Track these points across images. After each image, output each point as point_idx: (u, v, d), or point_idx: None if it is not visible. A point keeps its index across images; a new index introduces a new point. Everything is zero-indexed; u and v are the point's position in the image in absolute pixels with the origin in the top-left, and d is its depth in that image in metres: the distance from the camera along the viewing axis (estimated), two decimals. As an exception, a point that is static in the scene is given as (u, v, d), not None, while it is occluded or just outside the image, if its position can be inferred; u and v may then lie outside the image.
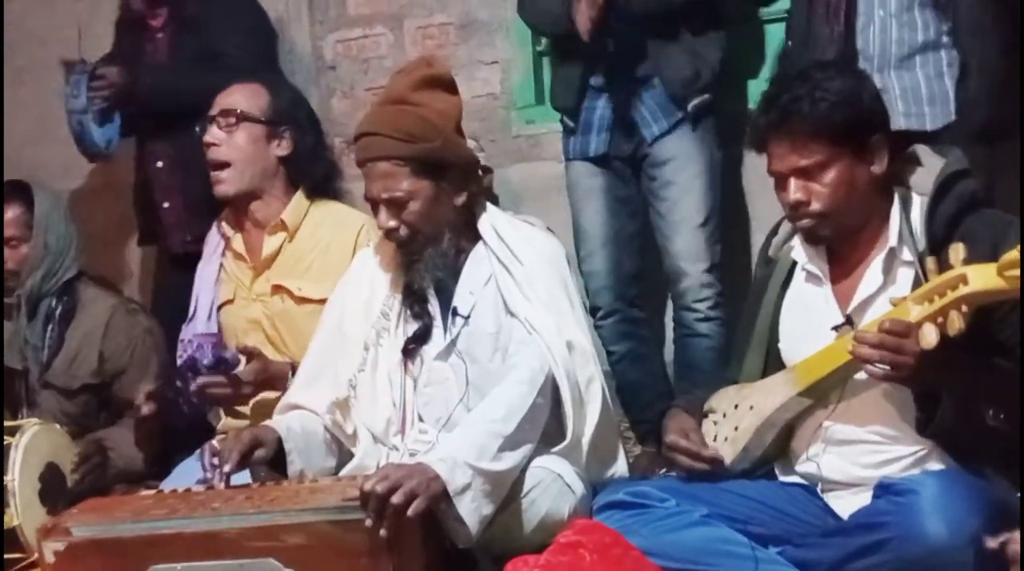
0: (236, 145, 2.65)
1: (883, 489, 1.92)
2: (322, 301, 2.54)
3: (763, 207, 3.04)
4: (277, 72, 3.29)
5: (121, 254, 3.87)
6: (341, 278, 2.47)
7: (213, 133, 2.66)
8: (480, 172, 3.00)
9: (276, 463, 2.23)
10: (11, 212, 2.83)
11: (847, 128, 2.00)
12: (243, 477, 2.20)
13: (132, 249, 3.78)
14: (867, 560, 1.88)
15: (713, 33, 2.94)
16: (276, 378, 2.51)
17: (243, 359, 2.50)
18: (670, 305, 3.15)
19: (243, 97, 2.69)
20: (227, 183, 2.66)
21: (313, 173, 2.72)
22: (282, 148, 2.69)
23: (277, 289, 2.67)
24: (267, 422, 2.31)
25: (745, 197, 3.18)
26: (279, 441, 2.23)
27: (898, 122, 2.60)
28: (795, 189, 2.03)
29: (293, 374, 2.49)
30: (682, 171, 2.92)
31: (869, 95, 2.08)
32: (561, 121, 3.08)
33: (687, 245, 2.91)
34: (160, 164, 3.33)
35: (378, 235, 2.57)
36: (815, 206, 2.03)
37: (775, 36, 3.13)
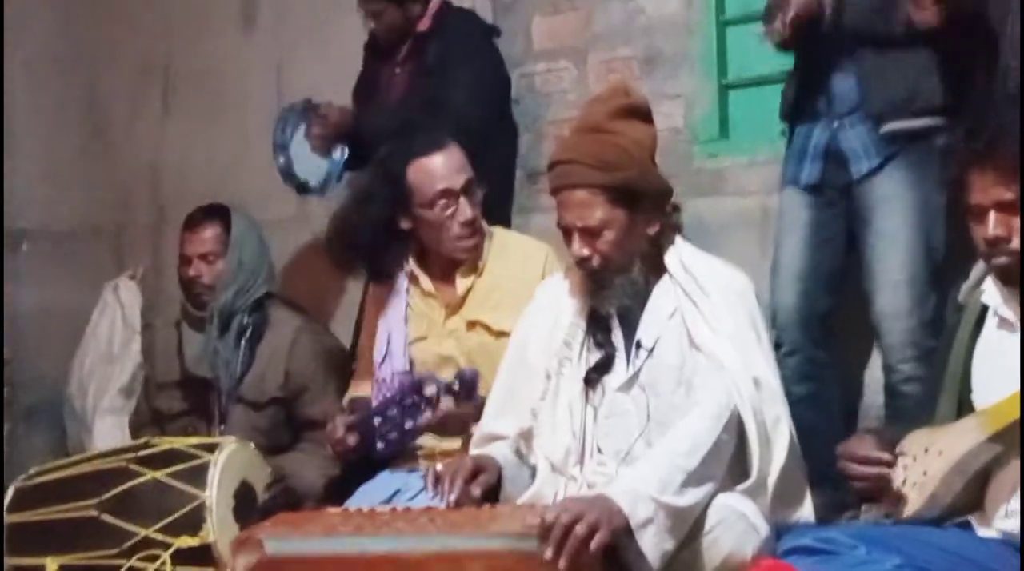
0: (477, 212, 2.72)
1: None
2: None
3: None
4: (486, 124, 3.31)
5: (316, 281, 3.99)
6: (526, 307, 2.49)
7: (471, 208, 2.70)
8: (669, 208, 3.02)
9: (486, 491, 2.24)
10: (210, 231, 3.05)
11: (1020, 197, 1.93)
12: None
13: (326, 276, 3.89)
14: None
15: (943, 60, 2.70)
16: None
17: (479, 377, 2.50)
18: (860, 346, 3.03)
19: (462, 163, 2.73)
20: (476, 241, 2.72)
21: (492, 208, 2.79)
22: (478, 196, 2.75)
23: (472, 325, 2.70)
24: (483, 450, 2.33)
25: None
26: (499, 469, 2.25)
27: None
28: (995, 223, 1.95)
29: None
30: (888, 219, 2.76)
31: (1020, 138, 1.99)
32: (783, 133, 2.99)
33: (889, 302, 2.74)
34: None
35: (562, 263, 2.60)
36: (1015, 243, 1.95)
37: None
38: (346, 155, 3.39)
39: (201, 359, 2.99)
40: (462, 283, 2.73)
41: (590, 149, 2.24)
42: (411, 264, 2.80)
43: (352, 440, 2.54)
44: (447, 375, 2.66)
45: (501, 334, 2.64)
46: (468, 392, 2.44)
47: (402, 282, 2.80)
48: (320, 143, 3.35)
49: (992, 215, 1.95)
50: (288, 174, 3.41)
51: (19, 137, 4.29)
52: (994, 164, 1.94)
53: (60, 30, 4.43)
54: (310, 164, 3.38)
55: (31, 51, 4.35)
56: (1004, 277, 2.02)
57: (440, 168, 2.70)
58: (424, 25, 3.40)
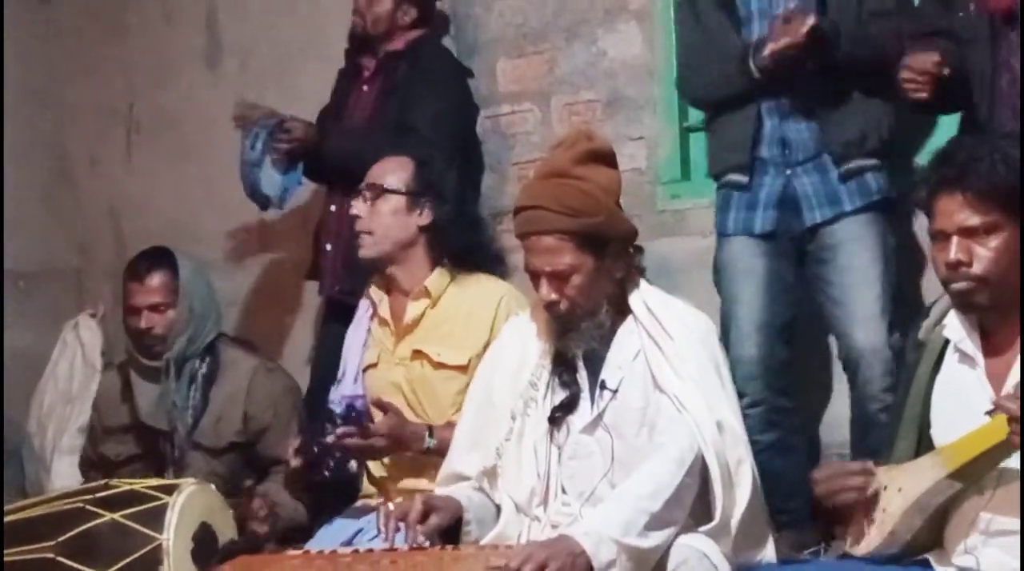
0: (376, 215, 2.75)
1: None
2: (459, 368, 2.61)
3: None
4: (451, 151, 3.29)
5: (278, 316, 3.99)
6: (480, 344, 2.53)
7: (357, 205, 2.78)
8: (631, 249, 3.04)
9: (448, 530, 2.24)
10: (157, 279, 2.92)
11: (1020, 195, 1.97)
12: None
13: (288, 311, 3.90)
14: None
15: (882, 101, 2.82)
16: (412, 438, 2.55)
17: (373, 410, 2.56)
18: (818, 391, 3.07)
19: (389, 170, 2.80)
20: (365, 248, 2.77)
21: (454, 242, 2.78)
22: (423, 218, 2.76)
23: (417, 354, 2.71)
24: (447, 491, 2.33)
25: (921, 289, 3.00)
26: (457, 510, 2.25)
27: None
28: (957, 248, 1.98)
29: (430, 435, 2.55)
30: (857, 256, 2.81)
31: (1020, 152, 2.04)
32: (722, 186, 2.97)
33: (868, 336, 2.78)
34: (333, 208, 3.44)
35: (520, 305, 2.61)
36: (975, 269, 1.98)
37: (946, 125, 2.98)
38: (300, 171, 3.41)
39: (157, 411, 2.91)
40: (411, 308, 2.75)
41: (557, 195, 2.25)
42: (373, 292, 2.82)
43: (295, 462, 2.54)
44: (394, 403, 2.67)
45: (441, 366, 2.67)
46: (357, 422, 2.51)
47: (367, 309, 2.83)
48: (283, 158, 3.37)
49: (955, 240, 1.99)
50: (255, 191, 3.42)
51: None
52: (962, 190, 1.98)
53: (22, 72, 4.42)
54: (272, 178, 3.40)
55: (-8, 92, 4.34)
56: (962, 304, 2.05)
57: (374, 168, 2.80)
58: (397, 45, 3.44)
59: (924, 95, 2.59)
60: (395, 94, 3.37)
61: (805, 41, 2.72)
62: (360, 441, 2.50)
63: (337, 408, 2.54)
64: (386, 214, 2.75)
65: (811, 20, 2.72)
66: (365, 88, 3.47)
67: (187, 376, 2.91)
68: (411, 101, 3.32)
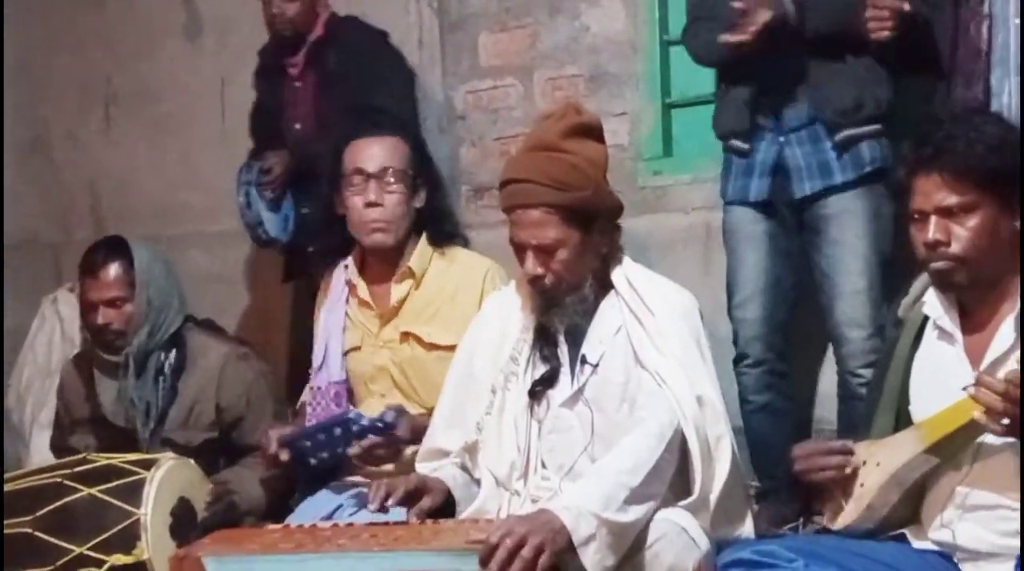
0: (395, 202, 2.66)
1: (1028, 559, 1.85)
2: (451, 347, 2.56)
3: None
4: (416, 123, 3.33)
5: (264, 292, 3.96)
6: (470, 322, 2.49)
7: (376, 192, 2.64)
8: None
9: (437, 512, 2.23)
10: (112, 272, 2.79)
11: (998, 174, 1.97)
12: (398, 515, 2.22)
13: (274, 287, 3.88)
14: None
15: (882, 70, 2.80)
16: (421, 430, 2.50)
17: (402, 417, 2.48)
18: (813, 359, 3.09)
19: (391, 153, 2.68)
20: (386, 235, 2.66)
21: (440, 223, 2.75)
22: (419, 201, 2.71)
23: (406, 336, 2.68)
24: (429, 467, 2.33)
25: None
26: (446, 492, 2.25)
27: None
28: (935, 228, 1.99)
29: None
30: (846, 229, 2.81)
31: (1020, 147, 2.05)
32: (726, 149, 2.96)
33: (849, 310, 2.80)
34: (304, 211, 3.45)
35: (503, 279, 2.61)
36: (954, 248, 1.99)
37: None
38: (290, 197, 3.45)
39: (119, 408, 2.82)
40: (396, 289, 2.70)
41: (545, 168, 2.23)
42: (350, 272, 2.77)
43: (284, 456, 2.51)
44: (380, 387, 2.68)
45: (433, 347, 2.64)
46: (389, 433, 2.43)
47: (342, 291, 2.77)
48: (275, 197, 3.40)
49: (933, 220, 1.99)
50: (268, 241, 3.46)
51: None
52: (939, 170, 1.98)
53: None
54: (272, 219, 3.43)
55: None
56: (941, 283, 2.05)
57: (366, 148, 2.67)
58: (318, 32, 3.45)
59: (886, 32, 2.60)
60: (334, 82, 3.36)
61: (756, 38, 2.70)
62: (388, 451, 2.46)
63: (363, 421, 2.42)
64: (401, 201, 2.66)
65: (764, 17, 2.69)
66: (298, 84, 3.48)
67: (152, 369, 2.81)
68: (356, 82, 3.30)
